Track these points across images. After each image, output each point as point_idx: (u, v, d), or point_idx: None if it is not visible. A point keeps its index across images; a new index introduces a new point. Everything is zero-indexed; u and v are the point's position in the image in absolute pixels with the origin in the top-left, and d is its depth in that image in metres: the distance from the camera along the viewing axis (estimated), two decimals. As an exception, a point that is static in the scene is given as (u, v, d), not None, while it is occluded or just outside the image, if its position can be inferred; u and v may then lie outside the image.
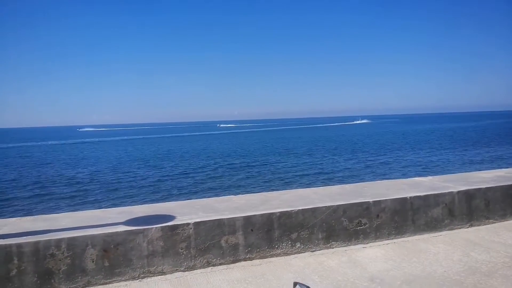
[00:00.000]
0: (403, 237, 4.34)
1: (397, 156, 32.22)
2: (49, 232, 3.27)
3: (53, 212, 4.28)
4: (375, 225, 4.25)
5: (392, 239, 4.29)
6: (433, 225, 4.48)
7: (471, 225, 4.65)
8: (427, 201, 4.47)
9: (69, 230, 3.32)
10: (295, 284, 1.67)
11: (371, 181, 5.98)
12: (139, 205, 4.34)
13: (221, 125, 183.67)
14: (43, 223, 3.59)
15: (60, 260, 3.14)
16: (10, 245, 3.04)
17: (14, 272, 3.03)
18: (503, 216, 4.84)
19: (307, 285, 1.64)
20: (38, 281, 3.09)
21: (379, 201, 4.28)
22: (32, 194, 19.81)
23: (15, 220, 3.76)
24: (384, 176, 21.40)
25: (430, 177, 5.70)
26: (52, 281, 3.12)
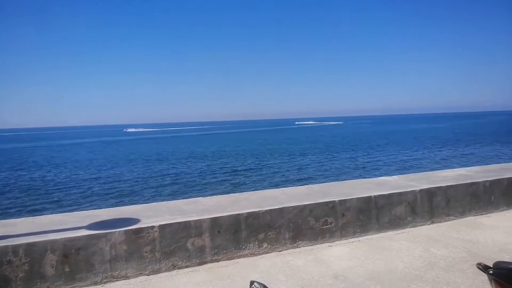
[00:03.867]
0: (368, 235, 4.44)
1: (367, 156, 32.88)
2: (7, 238, 3.16)
3: (12, 218, 4.14)
4: (340, 223, 4.33)
5: (357, 237, 4.39)
6: (396, 223, 4.61)
7: (432, 222, 4.82)
8: (391, 200, 4.59)
9: (28, 236, 3.22)
10: (251, 282, 1.69)
11: (339, 181, 6.09)
12: (104, 209, 4.26)
13: (128, 130, 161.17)
14: (1, 229, 3.46)
15: (18, 266, 3.03)
16: (-37, 253, 2.92)
17: (-32, 280, 2.91)
18: (462, 213, 5.04)
19: (264, 283, 1.67)
20: (-6, 289, 2.98)
21: (345, 200, 4.37)
22: (-3, 199, 19.03)
23: (-30, 227, 3.61)
24: (351, 175, 21.79)
25: (395, 177, 5.86)
26: (9, 288, 3.02)
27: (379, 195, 4.54)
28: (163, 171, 27.38)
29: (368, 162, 28.89)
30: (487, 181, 5.28)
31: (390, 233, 4.51)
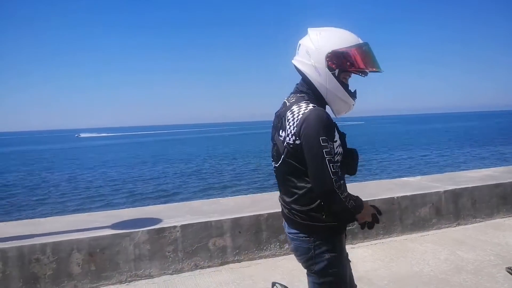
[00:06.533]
0: (391, 237, 4.36)
1: (389, 156, 32.31)
2: (34, 237, 3.25)
3: (39, 217, 4.25)
4: (363, 225, 4.26)
5: (380, 239, 4.31)
6: (420, 225, 4.51)
7: (458, 224, 4.69)
8: (415, 201, 4.50)
9: (54, 235, 3.30)
10: (273, 284, 1.68)
11: (362, 181, 6.01)
12: (127, 209, 4.33)
13: (81, 135, 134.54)
14: (28, 228, 3.55)
15: (46, 264, 3.11)
16: (-6, 250, 3.01)
17: (-1, 277, 3.00)
18: (489, 215, 4.88)
19: (285, 285, 1.65)
20: (23, 286, 3.06)
21: (367, 201, 4.29)
22: (21, 198, 19.59)
23: None
24: (375, 176, 21.41)
25: (418, 177, 5.75)
26: (38, 286, 3.09)
27: (402, 196, 4.45)
28: (183, 172, 27.59)
29: (388, 162, 28.39)
30: (515, 182, 5.10)
31: (414, 235, 4.42)
